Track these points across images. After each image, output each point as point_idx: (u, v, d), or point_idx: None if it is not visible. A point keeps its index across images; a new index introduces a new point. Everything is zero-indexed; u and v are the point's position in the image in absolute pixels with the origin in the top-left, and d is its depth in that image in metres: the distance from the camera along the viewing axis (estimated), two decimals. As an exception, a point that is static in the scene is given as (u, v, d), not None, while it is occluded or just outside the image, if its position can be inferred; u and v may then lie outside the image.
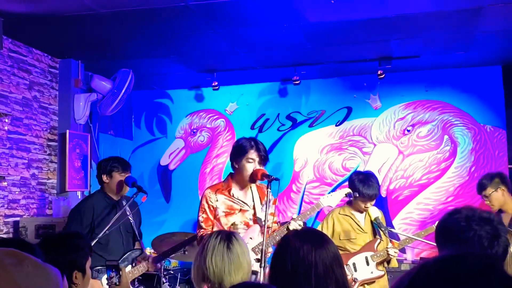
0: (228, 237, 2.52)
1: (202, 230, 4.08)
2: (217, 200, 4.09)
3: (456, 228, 2.10)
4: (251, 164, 4.02)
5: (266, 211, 3.71)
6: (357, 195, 4.50)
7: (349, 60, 6.41)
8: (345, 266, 4.33)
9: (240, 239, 2.57)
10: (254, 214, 4.13)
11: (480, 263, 0.66)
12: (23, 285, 0.93)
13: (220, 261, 2.42)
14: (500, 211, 4.91)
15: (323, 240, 2.14)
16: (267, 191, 3.81)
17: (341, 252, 4.53)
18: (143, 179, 7.61)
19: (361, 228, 4.68)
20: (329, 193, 4.26)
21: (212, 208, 4.10)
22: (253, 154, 4.03)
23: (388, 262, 4.62)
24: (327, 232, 4.65)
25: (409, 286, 0.66)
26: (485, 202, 4.95)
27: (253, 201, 4.16)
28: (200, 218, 4.12)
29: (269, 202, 3.83)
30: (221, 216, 4.08)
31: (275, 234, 3.94)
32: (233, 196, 4.13)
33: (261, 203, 4.12)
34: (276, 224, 4.20)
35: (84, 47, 5.92)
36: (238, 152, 4.10)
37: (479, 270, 0.65)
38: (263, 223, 3.67)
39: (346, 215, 4.72)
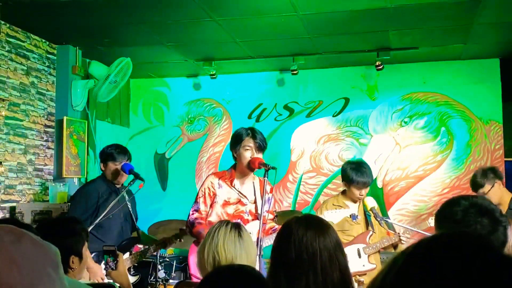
0: (237, 226, 2.55)
1: (197, 214, 4.10)
2: (220, 187, 4.12)
3: (454, 219, 2.11)
4: (248, 151, 4.05)
5: (262, 199, 3.74)
6: (350, 184, 4.50)
7: (347, 51, 6.41)
8: None
9: (246, 231, 2.59)
10: (255, 209, 4.15)
11: (478, 241, 0.67)
12: (21, 262, 0.93)
13: (233, 247, 2.43)
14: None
15: (326, 226, 2.15)
16: (264, 179, 3.83)
17: None
18: (139, 167, 7.56)
19: (377, 219, 4.63)
20: (336, 210, 4.26)
21: (211, 195, 4.11)
22: (249, 142, 4.06)
23: (395, 247, 4.60)
24: None
25: (406, 262, 0.67)
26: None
27: (255, 195, 4.18)
28: (199, 201, 4.13)
29: (266, 191, 3.85)
30: (219, 204, 4.10)
31: None
32: (234, 186, 4.15)
33: (261, 199, 4.14)
34: (273, 222, 4.24)
35: (82, 34, 5.90)
36: (236, 141, 4.14)
37: (477, 247, 0.66)
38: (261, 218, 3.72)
39: (340, 205, 4.70)
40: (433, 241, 0.69)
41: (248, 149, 4.06)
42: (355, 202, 4.65)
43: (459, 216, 2.10)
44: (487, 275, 0.62)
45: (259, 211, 4.09)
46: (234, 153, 4.17)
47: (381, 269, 0.72)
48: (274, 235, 3.90)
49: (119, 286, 3.07)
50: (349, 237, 4.57)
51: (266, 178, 3.84)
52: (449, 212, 2.15)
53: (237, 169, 4.19)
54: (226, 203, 4.11)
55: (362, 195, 4.58)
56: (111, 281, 3.17)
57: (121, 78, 6.06)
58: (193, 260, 4.02)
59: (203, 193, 4.15)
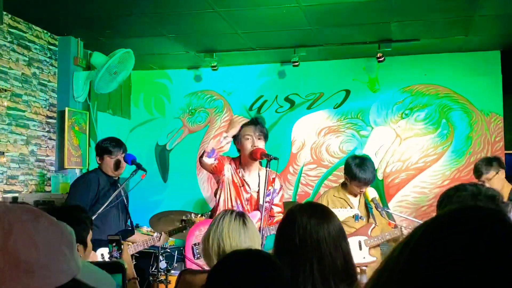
0: (242, 215, 2.57)
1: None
2: (228, 170, 4.19)
3: (459, 202, 2.12)
4: (249, 140, 4.09)
5: (265, 185, 3.79)
6: (350, 180, 4.51)
7: (349, 43, 6.40)
8: None
9: (250, 219, 2.61)
10: (257, 200, 4.18)
11: (487, 214, 0.68)
12: (39, 241, 0.95)
13: (238, 235, 2.46)
14: None
15: (329, 213, 2.17)
16: (266, 170, 3.86)
17: None
18: (141, 159, 7.55)
19: (377, 210, 4.63)
20: (339, 209, 4.28)
21: (222, 161, 4.19)
22: (249, 130, 4.11)
23: (396, 241, 4.60)
24: None
25: (423, 235, 0.69)
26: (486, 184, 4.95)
27: (258, 186, 4.21)
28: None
29: (269, 180, 3.89)
30: (227, 182, 4.16)
31: None
32: (238, 174, 4.19)
33: (264, 190, 4.17)
34: (280, 214, 4.27)
35: (84, 25, 5.90)
36: (238, 132, 4.18)
37: (486, 220, 0.67)
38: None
39: (341, 197, 4.69)
40: (444, 217, 0.70)
41: (248, 138, 4.10)
42: (355, 195, 4.66)
43: (469, 201, 2.10)
44: (494, 248, 0.63)
45: (260, 202, 4.12)
46: (238, 146, 4.21)
47: (392, 249, 0.73)
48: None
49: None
50: (351, 229, 4.57)
51: (268, 168, 3.87)
52: (458, 196, 2.16)
53: (242, 160, 4.23)
54: (232, 182, 4.16)
55: (362, 191, 4.57)
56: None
57: (121, 69, 6.05)
58: (189, 243, 4.06)
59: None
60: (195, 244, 4.02)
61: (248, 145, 4.10)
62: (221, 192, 4.22)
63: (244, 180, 4.19)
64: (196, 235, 4.08)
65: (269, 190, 4.10)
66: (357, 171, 4.44)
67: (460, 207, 0.71)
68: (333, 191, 4.77)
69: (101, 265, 1.29)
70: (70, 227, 1.05)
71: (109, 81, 6.08)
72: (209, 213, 4.39)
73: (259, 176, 4.25)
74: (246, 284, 1.56)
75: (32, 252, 0.93)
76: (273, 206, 4.23)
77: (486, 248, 0.63)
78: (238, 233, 2.47)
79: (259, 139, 4.12)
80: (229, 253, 1.80)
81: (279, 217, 4.23)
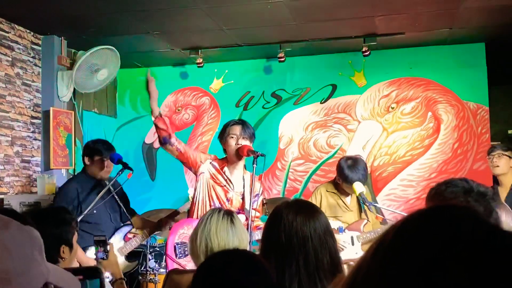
0: (229, 213, 2.56)
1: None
2: (208, 168, 4.17)
3: (449, 199, 2.10)
4: (233, 139, 4.09)
5: (252, 186, 3.77)
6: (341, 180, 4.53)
7: (334, 37, 6.40)
8: None
9: (238, 218, 2.60)
10: (242, 204, 4.17)
11: (464, 212, 0.68)
12: (12, 248, 0.94)
13: (226, 235, 2.45)
14: (497, 182, 4.97)
15: (315, 211, 2.16)
16: (253, 166, 3.85)
17: None
18: (128, 157, 7.56)
19: (347, 206, 4.66)
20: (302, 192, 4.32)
21: (200, 158, 4.20)
22: (234, 130, 4.11)
23: None
24: None
25: (394, 236, 0.68)
26: (490, 161, 4.97)
27: (243, 188, 4.19)
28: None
29: (255, 188, 3.89)
30: (206, 178, 4.16)
31: None
32: (224, 173, 4.18)
33: (250, 194, 4.16)
34: (258, 220, 4.27)
35: (67, 24, 5.85)
36: (223, 130, 4.22)
37: (462, 218, 0.67)
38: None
39: (334, 192, 4.70)
40: (420, 214, 0.70)
41: (233, 137, 4.10)
42: (348, 194, 4.67)
43: (460, 197, 2.08)
44: (472, 246, 0.63)
45: (247, 206, 4.10)
46: (224, 146, 4.21)
47: (369, 247, 0.73)
48: (258, 232, 3.94)
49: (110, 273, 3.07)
50: (343, 225, 4.59)
51: (254, 166, 3.85)
52: (450, 192, 2.14)
53: (228, 161, 4.23)
54: (212, 180, 4.14)
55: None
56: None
57: (102, 66, 5.99)
58: (171, 241, 4.04)
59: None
60: (177, 243, 4.00)
61: (232, 143, 4.10)
62: (199, 190, 4.21)
63: (229, 178, 4.18)
64: (180, 234, 4.06)
65: (255, 195, 4.12)
66: (349, 173, 4.45)
67: (431, 207, 0.71)
68: (326, 186, 4.79)
69: (79, 270, 1.27)
70: (36, 230, 1.03)
71: (89, 78, 6.01)
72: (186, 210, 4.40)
73: (243, 179, 4.23)
74: (231, 284, 1.55)
75: (7, 260, 0.92)
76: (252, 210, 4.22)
77: (459, 248, 0.63)
78: (226, 232, 2.46)
79: (243, 138, 4.11)
80: (214, 253, 1.79)
81: (257, 221, 4.23)
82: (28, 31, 6.02)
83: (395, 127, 6.93)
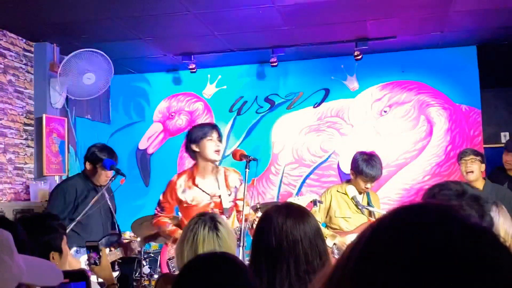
0: (214, 224, 2.44)
1: (158, 209, 4.25)
2: (183, 191, 4.12)
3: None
4: (211, 141, 4.03)
5: (245, 189, 3.77)
6: (356, 176, 4.51)
7: (326, 42, 6.42)
8: (334, 244, 4.35)
9: (223, 221, 2.52)
10: (220, 203, 4.10)
11: (442, 210, 0.68)
12: None
13: (212, 248, 2.37)
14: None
15: (305, 214, 2.16)
16: (246, 171, 3.84)
17: (334, 230, 4.56)
18: (121, 163, 7.53)
19: (358, 208, 4.61)
20: (297, 195, 4.28)
21: (174, 197, 4.17)
22: (210, 133, 4.05)
23: None
24: (324, 206, 4.59)
25: (372, 235, 0.68)
26: (464, 166, 4.89)
27: (219, 189, 4.13)
28: (161, 198, 4.28)
29: (244, 184, 3.87)
30: (186, 205, 4.12)
31: None
32: (197, 185, 4.12)
33: (227, 190, 4.13)
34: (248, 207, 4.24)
35: (60, 31, 5.85)
36: (197, 134, 4.10)
37: (440, 216, 0.67)
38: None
39: (344, 193, 4.66)
40: (395, 214, 0.70)
41: (210, 139, 4.03)
42: (360, 193, 4.63)
43: (454, 200, 2.08)
44: (447, 245, 0.62)
45: (224, 206, 4.07)
46: (196, 148, 4.09)
47: (348, 245, 0.72)
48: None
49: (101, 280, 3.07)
50: (350, 226, 4.54)
51: (247, 170, 3.84)
52: (443, 195, 2.13)
53: (198, 165, 4.15)
54: (190, 206, 4.09)
55: (367, 188, 4.56)
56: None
57: (91, 70, 5.95)
58: (164, 259, 4.05)
59: (165, 194, 4.25)
60: (170, 259, 3.99)
61: (211, 146, 4.04)
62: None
63: (203, 190, 4.10)
64: (169, 250, 4.06)
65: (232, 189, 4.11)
66: (364, 165, 4.44)
67: (405, 205, 0.71)
68: (337, 186, 4.77)
69: (64, 273, 1.27)
70: (6, 231, 1.02)
71: (78, 82, 5.98)
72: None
73: (217, 180, 4.14)
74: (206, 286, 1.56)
75: None
76: (237, 202, 4.19)
77: (438, 247, 0.62)
78: (213, 248, 2.35)
79: (220, 141, 4.10)
80: (192, 258, 1.78)
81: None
82: (20, 38, 6.01)
83: (388, 130, 6.94)
